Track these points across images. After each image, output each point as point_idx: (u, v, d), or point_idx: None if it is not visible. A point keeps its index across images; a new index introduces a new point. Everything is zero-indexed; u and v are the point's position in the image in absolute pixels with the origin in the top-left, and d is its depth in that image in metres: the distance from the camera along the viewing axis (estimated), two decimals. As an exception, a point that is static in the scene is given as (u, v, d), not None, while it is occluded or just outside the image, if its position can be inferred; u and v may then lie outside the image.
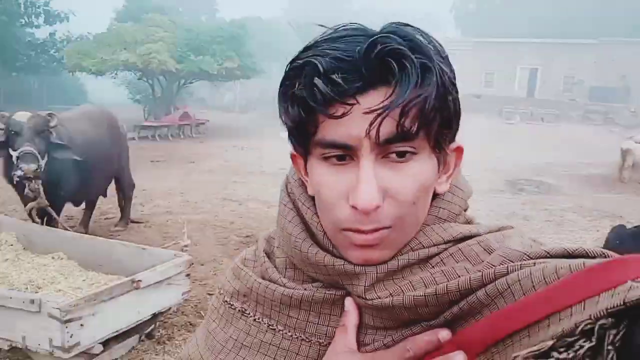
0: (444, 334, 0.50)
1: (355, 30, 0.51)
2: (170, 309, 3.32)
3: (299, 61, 0.51)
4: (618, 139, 11.83)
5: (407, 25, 0.52)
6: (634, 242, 5.49)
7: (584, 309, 0.41)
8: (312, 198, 0.59)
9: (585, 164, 12.00)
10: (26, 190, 3.93)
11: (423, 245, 0.54)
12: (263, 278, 0.62)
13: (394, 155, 0.51)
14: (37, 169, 3.84)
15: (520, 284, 0.46)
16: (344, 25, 0.53)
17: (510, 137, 17.81)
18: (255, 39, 25.09)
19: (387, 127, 0.49)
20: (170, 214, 6.72)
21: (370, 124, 0.48)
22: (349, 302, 0.57)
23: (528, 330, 0.44)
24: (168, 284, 3.10)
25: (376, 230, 0.51)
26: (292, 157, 0.61)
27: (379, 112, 0.48)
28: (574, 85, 32.60)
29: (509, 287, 0.47)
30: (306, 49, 0.52)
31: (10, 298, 2.58)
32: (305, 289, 0.59)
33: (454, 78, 0.53)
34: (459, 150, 0.59)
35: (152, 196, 7.65)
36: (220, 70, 20.06)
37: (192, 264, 3.48)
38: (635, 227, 5.61)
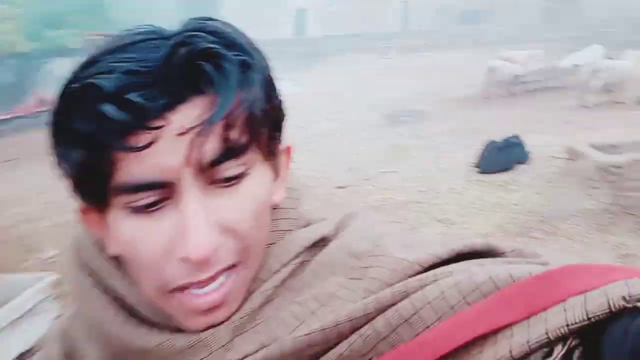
0: None
1: (150, 34, 0.39)
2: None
3: (75, 85, 0.37)
4: (486, 59, 12.68)
5: (212, 19, 0.42)
6: (500, 153, 6.07)
7: (528, 326, 0.34)
8: (116, 265, 0.45)
9: (455, 88, 12.51)
10: None
11: (273, 272, 0.45)
12: None
13: (220, 180, 0.40)
14: None
15: (431, 306, 0.38)
16: (133, 30, 0.40)
17: (387, 72, 18.15)
18: (124, 3, 22.22)
19: (212, 145, 0.38)
20: (29, 221, 5.81)
21: (190, 147, 0.37)
22: None
23: None
24: (32, 316, 2.64)
25: (218, 275, 0.41)
26: (82, 211, 0.45)
27: (198, 129, 0.37)
28: (445, 13, 33.45)
29: (417, 312, 0.38)
30: (84, 67, 0.38)
31: None
32: None
33: (271, 73, 0.43)
34: (288, 151, 0.50)
35: (5, 204, 6.61)
36: (85, 45, 17.34)
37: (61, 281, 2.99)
38: (504, 140, 6.16)
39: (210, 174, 0.39)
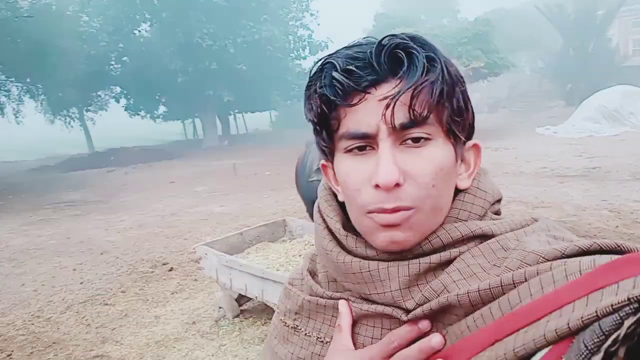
0: (424, 324, 0.53)
1: (370, 39, 0.57)
2: None
3: (319, 64, 0.58)
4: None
5: (416, 33, 0.57)
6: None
7: (587, 304, 0.42)
8: (337, 208, 0.64)
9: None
10: None
11: (442, 242, 0.56)
12: (310, 295, 0.67)
13: (410, 141, 0.55)
14: None
15: (529, 291, 0.48)
16: (362, 39, 0.59)
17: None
18: (501, 31, 23.63)
19: (401, 113, 0.53)
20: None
21: (385, 109, 0.53)
22: (342, 305, 0.61)
23: (527, 329, 0.45)
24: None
25: (398, 209, 0.54)
26: (323, 167, 0.66)
27: (391, 96, 0.53)
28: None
29: (519, 295, 0.48)
30: (329, 55, 0.58)
31: None
32: (344, 296, 0.62)
33: (462, 77, 0.58)
34: (477, 148, 0.63)
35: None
36: (467, 72, 18.32)
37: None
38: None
39: (400, 135, 0.55)
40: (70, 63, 18.05)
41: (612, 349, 0.38)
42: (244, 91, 23.82)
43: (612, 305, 0.40)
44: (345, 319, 0.60)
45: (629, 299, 0.39)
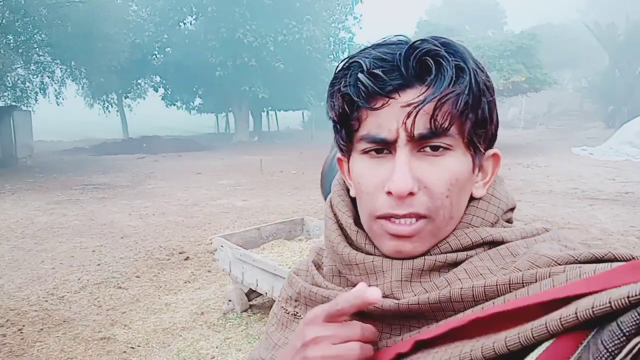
0: (373, 292, 0.48)
1: (400, 39, 0.56)
2: None
3: (346, 62, 0.56)
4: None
5: (449, 39, 0.55)
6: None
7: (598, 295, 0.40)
8: (349, 204, 0.64)
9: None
10: None
11: (452, 248, 0.56)
12: (312, 285, 0.66)
13: (428, 149, 0.54)
14: None
15: (541, 290, 0.46)
16: (392, 36, 0.57)
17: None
18: (546, 47, 23.68)
19: (421, 122, 0.52)
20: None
21: (407, 116, 0.52)
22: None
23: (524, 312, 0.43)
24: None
25: (410, 216, 0.54)
26: (339, 161, 0.66)
27: (415, 104, 0.51)
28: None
29: (528, 293, 0.46)
30: (358, 52, 0.56)
31: None
32: (345, 291, 0.60)
33: (491, 86, 0.56)
34: (496, 157, 0.61)
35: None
36: (507, 85, 18.52)
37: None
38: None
39: (419, 144, 0.53)
40: (114, 50, 18.50)
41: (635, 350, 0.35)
42: (279, 89, 23.97)
43: (628, 297, 0.36)
44: (332, 306, 0.52)
45: (628, 298, 0.36)
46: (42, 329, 3.98)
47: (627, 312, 0.36)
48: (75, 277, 5.20)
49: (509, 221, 0.62)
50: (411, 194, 0.53)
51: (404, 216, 0.54)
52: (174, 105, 26.88)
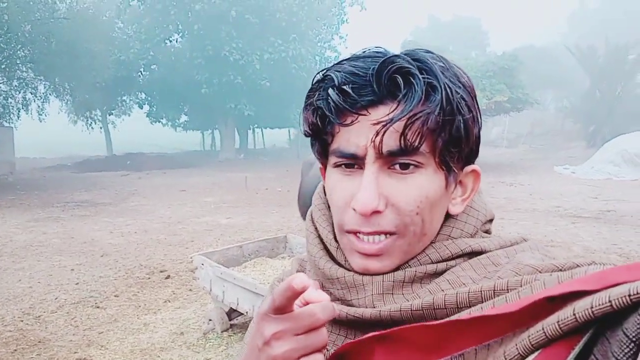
0: (297, 280, 0.45)
1: (377, 53, 0.55)
2: None
3: (321, 75, 0.56)
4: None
5: (429, 51, 0.55)
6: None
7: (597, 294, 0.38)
8: (329, 218, 0.63)
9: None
10: None
11: (431, 260, 0.56)
12: None
13: (397, 167, 0.54)
14: None
15: (532, 292, 0.45)
16: (370, 48, 0.57)
17: None
18: (528, 68, 24.11)
19: (391, 140, 0.52)
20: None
21: (375, 135, 0.52)
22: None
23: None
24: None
25: (377, 233, 0.54)
26: (321, 170, 0.65)
27: (383, 123, 0.51)
28: None
29: (519, 296, 0.45)
30: (333, 65, 0.56)
31: None
32: None
33: (472, 103, 0.55)
34: (476, 174, 0.60)
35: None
36: (489, 105, 18.82)
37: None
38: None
39: (388, 160, 0.53)
40: (99, 66, 18.47)
41: None
42: (265, 107, 24.07)
43: (629, 295, 0.34)
44: (272, 301, 0.48)
45: (609, 301, 0.34)
46: (16, 350, 3.86)
47: (628, 314, 0.34)
48: (53, 296, 5.08)
49: (488, 232, 0.62)
50: (377, 211, 0.53)
51: (370, 234, 0.54)
52: (159, 122, 26.76)
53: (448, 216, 0.59)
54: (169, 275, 5.70)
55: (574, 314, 0.36)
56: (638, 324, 0.34)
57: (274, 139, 32.63)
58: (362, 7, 25.47)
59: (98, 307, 4.77)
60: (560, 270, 0.47)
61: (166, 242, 7.37)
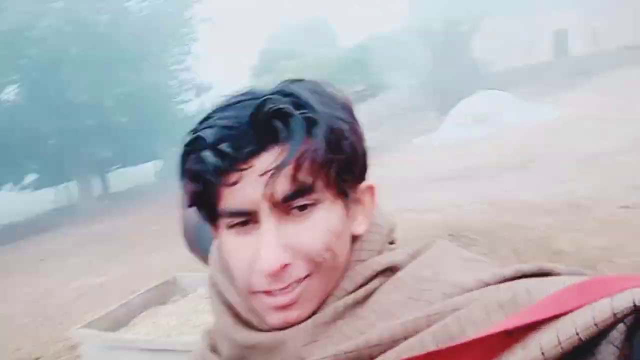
0: None
1: (245, 95, 0.52)
2: None
3: (192, 135, 0.52)
4: None
5: (301, 80, 0.54)
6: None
7: (558, 326, 0.37)
8: (232, 278, 0.58)
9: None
10: None
11: (347, 291, 0.53)
12: None
13: (295, 210, 0.51)
14: None
15: (474, 323, 0.42)
16: (237, 92, 0.54)
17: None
18: (378, 55, 24.15)
19: (283, 185, 0.49)
20: None
21: (265, 186, 0.49)
22: None
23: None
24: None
25: (290, 286, 0.51)
26: (212, 232, 0.60)
27: (271, 172, 0.48)
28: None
29: (461, 328, 0.42)
30: (201, 121, 0.52)
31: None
32: None
33: (353, 120, 0.54)
34: (371, 189, 0.60)
35: None
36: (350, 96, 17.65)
37: None
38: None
39: (284, 207, 0.50)
40: None
41: None
42: (125, 144, 22.63)
43: (594, 321, 0.34)
44: None
45: (614, 315, 0.34)
46: None
47: (598, 342, 0.34)
48: None
49: (392, 242, 0.61)
50: (286, 265, 0.49)
51: (284, 289, 0.50)
52: (1, 189, 23.51)
53: (355, 238, 0.57)
54: (45, 363, 4.84)
55: (542, 353, 0.35)
56: (612, 354, 0.33)
57: (140, 176, 30.68)
58: (211, 21, 25.39)
59: None
60: (488, 285, 0.45)
61: (33, 325, 6.35)
